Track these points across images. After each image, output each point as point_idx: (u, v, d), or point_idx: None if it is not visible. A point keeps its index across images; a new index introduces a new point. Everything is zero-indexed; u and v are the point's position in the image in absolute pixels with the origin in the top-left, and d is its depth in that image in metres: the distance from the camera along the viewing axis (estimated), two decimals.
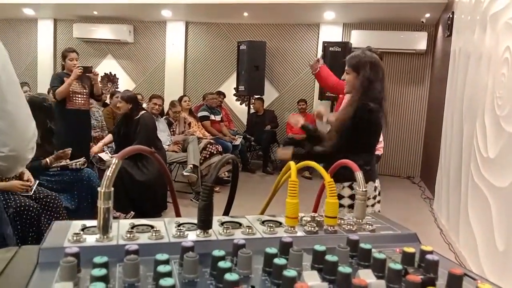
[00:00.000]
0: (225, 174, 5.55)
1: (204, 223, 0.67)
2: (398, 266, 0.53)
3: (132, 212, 3.88)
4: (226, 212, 0.85)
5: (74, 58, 4.28)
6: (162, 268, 0.50)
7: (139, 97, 5.56)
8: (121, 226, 0.68)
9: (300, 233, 0.71)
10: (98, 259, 0.51)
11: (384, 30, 7.00)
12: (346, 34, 7.22)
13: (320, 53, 6.95)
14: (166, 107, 6.03)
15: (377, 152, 3.09)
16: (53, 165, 3.32)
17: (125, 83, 8.34)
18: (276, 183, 0.91)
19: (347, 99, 2.30)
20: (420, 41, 6.72)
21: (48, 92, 4.77)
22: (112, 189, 0.62)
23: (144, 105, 5.28)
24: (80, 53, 8.31)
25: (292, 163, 0.80)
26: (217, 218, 0.74)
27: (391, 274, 0.53)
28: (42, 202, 2.90)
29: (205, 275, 0.54)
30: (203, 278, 0.53)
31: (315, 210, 0.95)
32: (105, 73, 8.42)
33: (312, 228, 0.73)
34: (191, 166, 4.81)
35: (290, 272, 0.49)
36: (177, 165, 5.26)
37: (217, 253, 0.54)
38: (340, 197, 2.13)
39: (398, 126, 7.21)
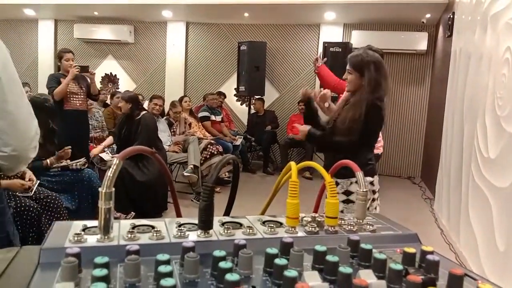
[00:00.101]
0: (225, 175, 5.56)
1: (205, 224, 0.67)
2: (399, 267, 0.53)
3: (132, 212, 3.89)
4: (227, 213, 0.86)
5: (70, 58, 4.28)
6: (163, 268, 0.50)
7: (139, 97, 5.56)
8: (122, 226, 0.68)
9: (300, 234, 0.71)
10: (99, 259, 0.51)
11: (385, 30, 7.00)
12: (346, 34, 7.22)
13: (320, 53, 6.95)
14: (166, 108, 6.04)
15: (377, 151, 3.11)
16: (54, 166, 3.33)
17: (125, 84, 8.35)
18: (277, 183, 0.91)
19: (346, 97, 2.31)
20: (420, 42, 6.71)
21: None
22: (113, 189, 0.62)
23: (145, 105, 5.28)
24: (81, 54, 8.39)
25: (292, 163, 0.80)
26: (217, 219, 0.74)
27: (392, 274, 0.53)
28: (43, 203, 2.90)
29: (206, 276, 0.54)
30: (204, 278, 0.54)
31: (315, 211, 0.95)
32: (105, 74, 8.43)
33: (313, 229, 0.73)
34: (192, 166, 4.81)
35: (290, 272, 0.49)
36: (177, 166, 5.26)
37: (218, 253, 0.54)
38: (348, 193, 2.17)
39: (399, 126, 7.21)
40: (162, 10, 7.27)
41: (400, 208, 4.74)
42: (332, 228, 0.74)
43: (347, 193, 2.18)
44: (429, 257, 0.58)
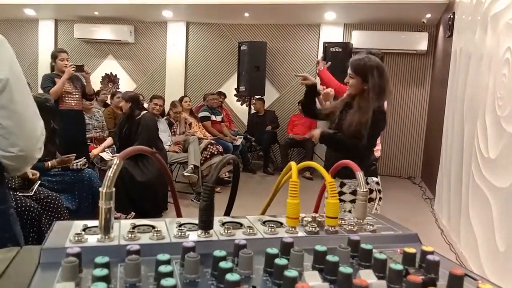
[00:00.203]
0: (226, 175, 5.56)
1: (205, 224, 0.67)
2: (399, 267, 0.53)
3: (133, 212, 3.89)
4: (227, 213, 0.86)
5: (65, 58, 4.27)
6: (163, 268, 0.50)
7: (140, 97, 5.56)
8: (123, 226, 0.68)
9: (301, 234, 0.71)
10: (99, 259, 0.52)
11: (385, 30, 7.00)
12: (347, 34, 7.22)
13: (320, 53, 6.96)
14: (167, 108, 6.04)
15: (376, 154, 3.16)
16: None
17: (126, 84, 8.35)
18: (277, 183, 0.91)
19: (345, 98, 2.34)
20: (421, 42, 6.71)
21: None
22: (114, 189, 0.62)
23: (145, 105, 5.29)
24: (81, 54, 8.40)
25: (293, 163, 0.80)
26: (218, 219, 0.74)
27: (392, 274, 0.53)
28: (43, 203, 2.90)
29: (206, 275, 0.54)
30: (204, 278, 0.54)
31: (316, 211, 0.95)
32: (106, 74, 8.43)
33: (313, 229, 0.73)
34: (192, 166, 4.81)
35: (291, 272, 0.49)
36: (178, 166, 5.27)
37: (218, 253, 0.54)
38: (356, 193, 2.19)
39: (399, 127, 7.21)
40: (162, 10, 7.28)
41: (400, 208, 4.74)
42: (333, 228, 0.74)
43: (355, 193, 2.19)
44: (429, 257, 0.58)
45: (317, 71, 3.37)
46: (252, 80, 6.88)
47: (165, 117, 5.68)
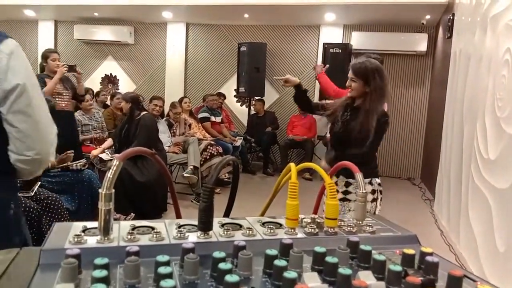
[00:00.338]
0: (225, 176, 5.55)
1: (205, 225, 0.67)
2: (398, 268, 0.53)
3: (132, 213, 3.88)
4: (227, 214, 0.86)
5: (56, 58, 4.26)
6: (162, 270, 0.50)
7: (140, 98, 5.56)
8: (122, 227, 0.69)
9: (300, 235, 0.72)
10: (99, 261, 0.52)
11: (385, 31, 7.00)
12: (346, 35, 7.22)
13: (320, 54, 6.96)
14: (166, 109, 6.04)
15: None
16: (55, 167, 3.33)
17: (125, 85, 8.35)
18: (277, 184, 0.91)
19: (347, 99, 2.36)
20: (420, 43, 6.72)
21: None
22: (113, 190, 0.63)
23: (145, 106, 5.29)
24: (81, 55, 8.41)
25: (292, 165, 0.80)
26: (217, 220, 0.74)
27: (391, 275, 0.53)
28: (43, 204, 2.90)
29: (205, 277, 0.54)
30: (204, 279, 0.54)
31: (315, 212, 0.95)
32: (105, 75, 8.43)
33: (312, 230, 0.73)
34: (192, 167, 4.81)
35: (290, 274, 0.49)
36: (177, 167, 5.26)
37: (217, 254, 0.54)
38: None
39: (399, 127, 7.21)
40: (162, 11, 7.28)
41: (400, 209, 4.74)
42: (332, 229, 0.74)
43: None
44: (428, 258, 0.58)
45: (316, 75, 3.40)
46: (252, 81, 6.88)
47: (164, 118, 5.68)
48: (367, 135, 2.20)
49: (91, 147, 4.76)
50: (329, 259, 0.55)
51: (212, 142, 5.41)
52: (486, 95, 3.18)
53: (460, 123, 3.97)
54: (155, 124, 4.46)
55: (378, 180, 2.35)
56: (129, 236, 0.64)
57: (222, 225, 0.73)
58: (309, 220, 0.77)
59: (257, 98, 7.19)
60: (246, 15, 7.09)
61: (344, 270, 0.51)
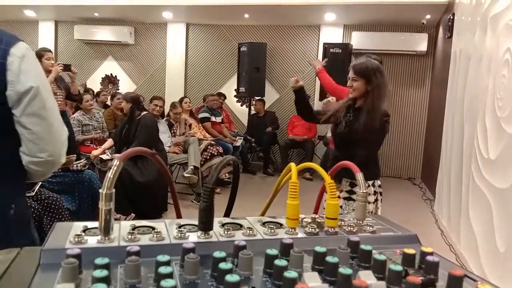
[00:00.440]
0: (225, 176, 5.55)
1: (205, 225, 0.67)
2: (399, 268, 0.53)
3: (132, 213, 3.88)
4: (227, 214, 0.86)
5: (51, 57, 4.27)
6: (163, 270, 0.50)
7: (140, 98, 5.55)
8: (122, 227, 0.69)
9: (300, 235, 0.72)
10: (99, 261, 0.52)
11: (385, 31, 7.00)
12: (346, 35, 7.22)
13: (320, 54, 6.96)
14: (166, 109, 6.04)
15: None
16: None
17: (126, 85, 8.35)
18: (277, 184, 0.91)
19: (349, 99, 2.37)
20: (420, 43, 6.71)
21: None
22: (114, 190, 0.63)
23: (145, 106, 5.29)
24: (81, 55, 8.41)
25: (292, 164, 0.80)
26: (218, 220, 0.74)
27: (392, 275, 0.53)
28: (44, 204, 2.90)
29: (206, 277, 0.54)
30: (204, 279, 0.54)
31: (315, 212, 0.95)
32: (106, 75, 8.44)
33: (313, 230, 0.73)
34: (192, 167, 4.81)
35: (290, 273, 0.49)
36: (178, 167, 5.26)
37: (218, 254, 0.54)
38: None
39: (399, 128, 7.21)
40: (162, 11, 7.28)
41: (400, 209, 4.74)
42: (332, 229, 0.74)
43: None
44: (429, 258, 0.58)
45: (316, 70, 3.41)
46: (252, 81, 6.88)
47: (165, 118, 5.68)
48: (371, 135, 2.22)
49: (91, 147, 4.76)
50: (329, 259, 0.55)
51: (212, 142, 5.41)
52: (486, 95, 3.18)
53: (461, 123, 3.97)
54: (155, 124, 4.46)
55: (379, 182, 2.39)
56: (129, 236, 0.64)
57: (223, 225, 0.73)
58: (309, 220, 0.77)
59: (257, 98, 7.18)
60: (246, 15, 7.09)
61: (344, 270, 0.51)
